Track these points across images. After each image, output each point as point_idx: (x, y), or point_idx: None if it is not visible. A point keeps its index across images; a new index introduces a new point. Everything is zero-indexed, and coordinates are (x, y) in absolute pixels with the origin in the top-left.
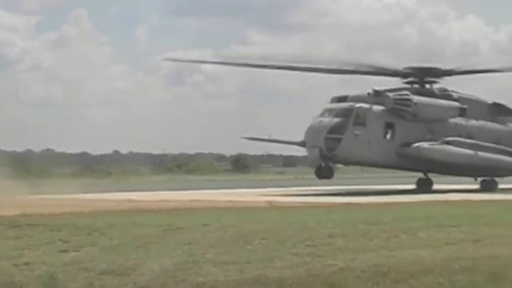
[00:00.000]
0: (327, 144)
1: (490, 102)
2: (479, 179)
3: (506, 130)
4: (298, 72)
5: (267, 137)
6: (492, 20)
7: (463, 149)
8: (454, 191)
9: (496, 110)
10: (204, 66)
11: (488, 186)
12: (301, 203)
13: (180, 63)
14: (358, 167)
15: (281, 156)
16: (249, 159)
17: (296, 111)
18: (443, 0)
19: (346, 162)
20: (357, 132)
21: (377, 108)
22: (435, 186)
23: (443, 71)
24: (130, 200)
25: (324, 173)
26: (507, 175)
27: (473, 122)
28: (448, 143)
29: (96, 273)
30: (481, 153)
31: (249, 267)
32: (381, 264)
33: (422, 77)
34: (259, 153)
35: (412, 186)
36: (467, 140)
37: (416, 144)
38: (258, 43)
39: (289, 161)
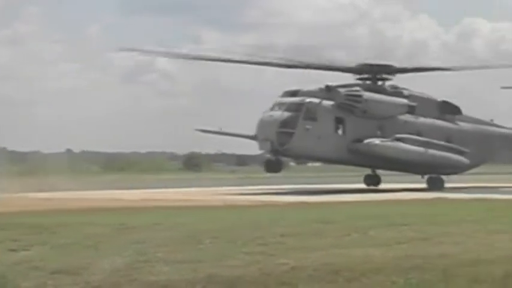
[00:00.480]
0: (278, 138)
1: (439, 100)
2: (426, 177)
3: (454, 128)
4: (252, 70)
5: (218, 130)
6: (444, 20)
7: (414, 146)
8: (404, 190)
9: (445, 108)
10: (157, 65)
11: (434, 184)
12: (254, 201)
13: (135, 61)
14: (315, 166)
15: (234, 155)
16: (201, 157)
17: (250, 109)
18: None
19: (297, 157)
20: (307, 126)
21: (327, 103)
22: (384, 185)
23: (395, 68)
24: (81, 199)
25: (273, 167)
26: (455, 173)
27: (422, 120)
28: (399, 139)
29: (47, 273)
30: (430, 151)
31: (202, 266)
32: (333, 262)
33: (375, 73)
34: (212, 151)
35: (365, 186)
36: (418, 137)
37: (368, 141)
38: (210, 41)
39: (242, 160)
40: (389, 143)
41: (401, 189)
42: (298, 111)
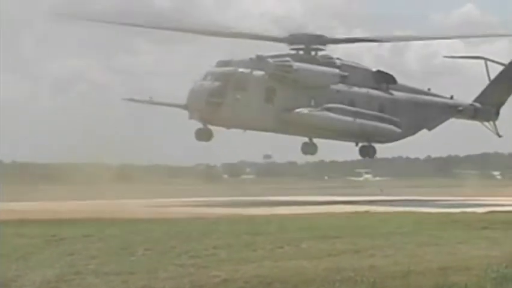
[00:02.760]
0: (208, 107)
1: (373, 70)
2: (359, 145)
3: (389, 97)
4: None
5: (148, 99)
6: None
7: (342, 116)
8: (337, 202)
9: (380, 78)
10: (89, 75)
11: (366, 153)
12: (187, 213)
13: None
14: (250, 178)
15: (166, 166)
16: (134, 169)
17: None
18: None
19: (227, 126)
20: (237, 96)
21: (258, 73)
22: (316, 198)
23: (328, 38)
24: (12, 210)
25: (203, 135)
26: (387, 141)
27: (355, 89)
28: (328, 109)
29: None
30: (359, 120)
31: (133, 278)
32: (265, 275)
33: (307, 44)
34: (145, 163)
35: (300, 198)
36: (347, 107)
37: (297, 110)
38: (145, 52)
39: (175, 171)
40: (317, 112)
41: (334, 201)
42: (228, 81)
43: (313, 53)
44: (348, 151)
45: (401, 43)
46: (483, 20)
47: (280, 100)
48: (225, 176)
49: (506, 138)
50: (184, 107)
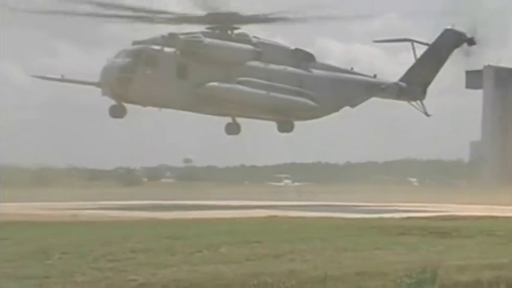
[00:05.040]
0: (118, 83)
1: (292, 48)
2: (277, 121)
3: (307, 74)
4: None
5: (59, 77)
6: (299, 41)
7: (254, 89)
8: (256, 207)
9: (298, 56)
10: (12, 79)
11: (284, 128)
12: (106, 217)
13: None
14: (168, 183)
15: (86, 169)
16: (53, 172)
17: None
18: None
19: (140, 102)
20: (148, 72)
21: (169, 50)
22: (236, 203)
23: (243, 17)
24: None
25: (116, 112)
26: (306, 117)
27: (272, 66)
28: (239, 83)
29: None
30: (274, 94)
31: (48, 283)
32: (183, 279)
33: (224, 23)
34: (62, 166)
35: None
36: (260, 81)
37: (207, 84)
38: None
39: (94, 175)
40: (227, 85)
41: (246, 206)
42: (138, 58)
43: (229, 32)
44: (268, 156)
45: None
46: (403, 28)
47: (192, 76)
48: (145, 179)
49: (423, 146)
50: (97, 84)
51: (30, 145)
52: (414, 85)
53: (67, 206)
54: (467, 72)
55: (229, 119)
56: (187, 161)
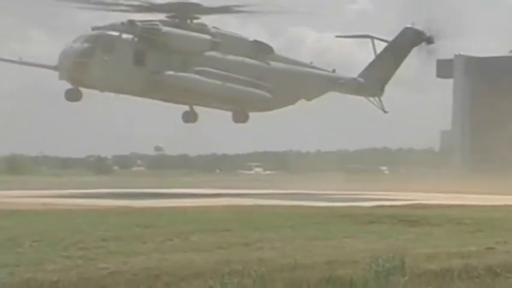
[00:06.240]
0: (75, 68)
1: (250, 39)
2: (232, 111)
3: (264, 66)
4: None
5: (18, 59)
6: (272, 30)
7: (210, 79)
8: (227, 195)
9: (257, 48)
10: None
11: (238, 118)
12: (76, 205)
13: None
14: (139, 171)
15: (57, 158)
16: (23, 159)
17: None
18: None
19: (96, 87)
20: (105, 58)
21: (127, 36)
22: (207, 191)
23: (203, 7)
24: None
25: (72, 96)
26: (260, 109)
27: (230, 57)
28: (195, 72)
29: None
30: (229, 84)
31: (19, 271)
32: (153, 267)
33: (183, 12)
34: (33, 154)
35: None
36: (216, 71)
37: (164, 73)
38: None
39: (66, 163)
40: (183, 74)
41: (217, 194)
42: (96, 43)
43: (188, 21)
44: (239, 144)
45: (293, 37)
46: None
47: (149, 63)
48: (116, 167)
49: (394, 134)
50: (55, 68)
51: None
52: (372, 81)
53: (37, 194)
54: (438, 61)
55: (186, 107)
56: (158, 149)
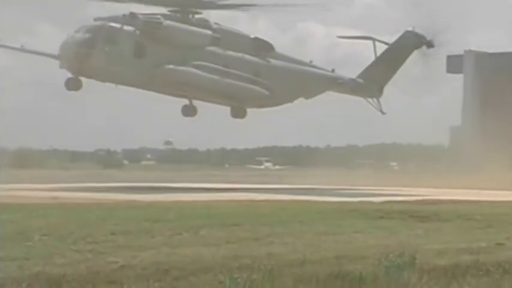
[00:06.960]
0: (76, 57)
1: (251, 36)
2: (230, 106)
3: (264, 64)
4: None
5: (19, 47)
6: (281, 25)
7: (209, 74)
8: (237, 189)
9: (258, 45)
10: None
11: (236, 113)
12: (86, 199)
13: None
14: (148, 165)
15: (66, 151)
16: (33, 153)
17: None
18: None
19: (96, 77)
20: (106, 48)
21: (128, 28)
22: (216, 185)
23: (204, 2)
24: None
25: (72, 85)
26: (260, 105)
27: (229, 53)
28: (195, 66)
29: None
30: (228, 80)
31: (29, 264)
32: (163, 261)
33: (185, 7)
34: (43, 148)
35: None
36: (215, 66)
37: (164, 66)
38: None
39: (75, 157)
40: (182, 68)
41: (226, 189)
42: (97, 34)
43: (190, 16)
44: (248, 139)
45: (302, 32)
46: (387, 13)
47: (150, 56)
48: (125, 161)
49: (403, 129)
50: (57, 57)
51: (10, 127)
52: (371, 82)
53: (47, 187)
54: (449, 57)
55: (186, 101)
56: (168, 143)
